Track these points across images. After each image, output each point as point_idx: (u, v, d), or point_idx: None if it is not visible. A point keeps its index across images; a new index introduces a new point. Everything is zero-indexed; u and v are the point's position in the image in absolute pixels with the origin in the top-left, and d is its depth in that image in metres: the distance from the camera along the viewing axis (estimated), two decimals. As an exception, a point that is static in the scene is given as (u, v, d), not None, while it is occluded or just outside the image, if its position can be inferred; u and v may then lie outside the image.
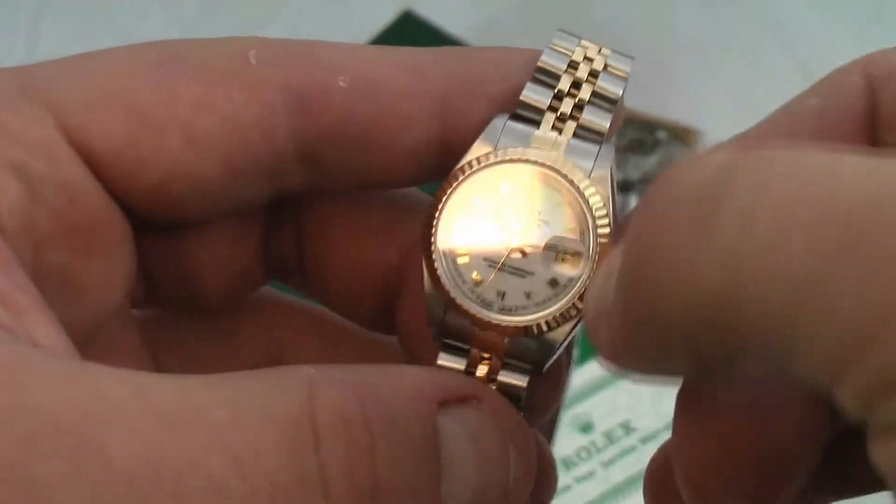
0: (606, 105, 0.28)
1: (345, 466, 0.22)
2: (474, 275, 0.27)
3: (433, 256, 0.27)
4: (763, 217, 0.18)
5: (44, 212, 0.25)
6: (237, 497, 0.21)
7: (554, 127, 0.28)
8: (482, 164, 0.27)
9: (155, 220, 0.28)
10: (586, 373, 0.67)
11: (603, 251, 0.27)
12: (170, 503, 0.20)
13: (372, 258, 0.30)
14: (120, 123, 0.26)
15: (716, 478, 0.24)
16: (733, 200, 0.19)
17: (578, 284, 0.27)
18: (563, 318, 0.27)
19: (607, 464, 0.66)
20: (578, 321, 0.27)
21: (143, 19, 0.90)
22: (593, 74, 0.28)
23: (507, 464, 0.25)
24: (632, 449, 0.66)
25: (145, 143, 0.26)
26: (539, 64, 0.28)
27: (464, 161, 0.27)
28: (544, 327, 0.27)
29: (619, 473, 0.65)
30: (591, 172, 0.27)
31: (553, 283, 0.27)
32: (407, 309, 0.30)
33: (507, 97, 0.28)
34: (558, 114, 0.28)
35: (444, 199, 0.27)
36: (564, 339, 0.27)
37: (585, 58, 0.28)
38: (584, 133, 0.28)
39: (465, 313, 0.27)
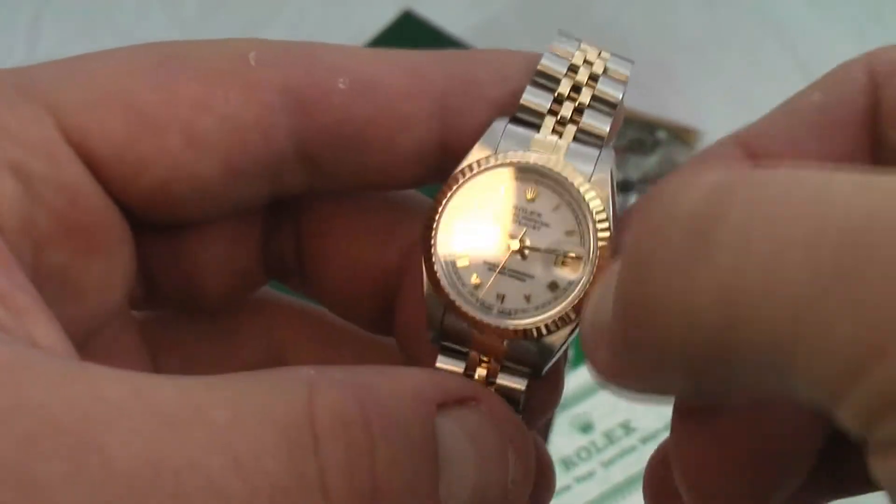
0: (606, 109, 0.28)
1: (344, 467, 0.22)
2: (474, 278, 0.27)
3: (433, 259, 0.27)
4: (758, 239, 0.18)
5: (43, 212, 0.25)
6: (237, 497, 0.21)
7: (554, 130, 0.28)
8: (482, 167, 0.27)
9: (154, 221, 0.28)
10: (586, 373, 0.67)
11: (603, 255, 0.27)
12: (169, 503, 0.20)
13: (371, 259, 0.30)
14: (120, 123, 0.26)
15: (713, 476, 0.24)
16: (727, 224, 0.19)
17: (578, 288, 0.27)
18: (562, 321, 0.27)
19: (607, 464, 0.66)
20: (577, 324, 0.27)
21: (143, 19, 0.90)
22: (593, 78, 0.28)
23: (505, 465, 0.25)
24: (632, 449, 0.66)
25: (145, 143, 0.26)
26: (539, 67, 0.28)
27: (464, 164, 0.27)
28: (543, 331, 0.27)
29: (619, 473, 0.65)
30: (591, 176, 0.27)
31: (553, 286, 0.27)
32: (406, 310, 0.30)
33: (507, 99, 0.28)
34: (558, 117, 0.28)
35: (444, 201, 0.27)
36: (564, 343, 0.27)
37: (585, 61, 0.28)
38: (584, 137, 0.28)
39: (464, 316, 0.27)
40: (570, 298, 0.27)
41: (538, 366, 0.27)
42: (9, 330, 0.22)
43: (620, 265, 0.21)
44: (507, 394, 0.27)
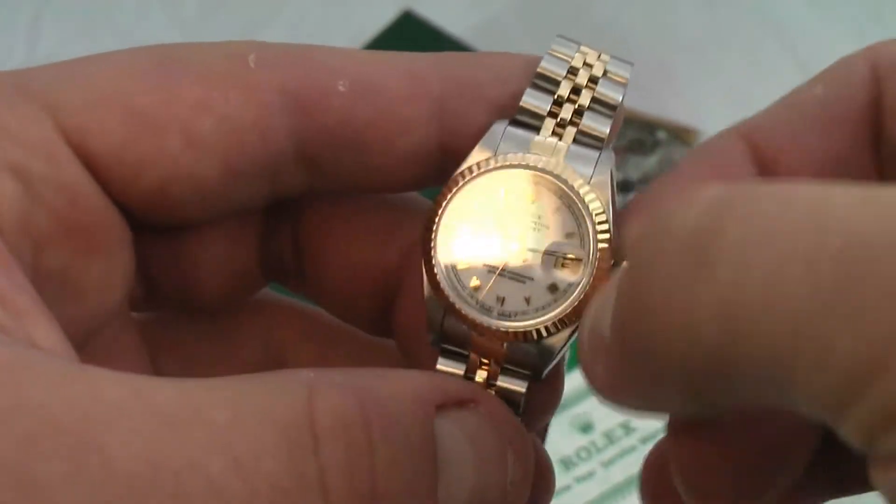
0: (606, 111, 0.28)
1: (344, 469, 0.22)
2: (474, 280, 0.27)
3: (432, 262, 0.27)
4: (757, 254, 0.18)
5: (43, 212, 0.25)
6: (237, 498, 0.21)
7: (554, 133, 0.28)
8: (482, 170, 0.27)
9: (154, 221, 0.28)
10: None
11: (603, 257, 0.27)
12: (169, 503, 0.20)
13: (370, 260, 0.30)
14: (119, 124, 0.26)
15: (713, 476, 0.24)
16: (726, 239, 0.19)
17: (578, 290, 0.27)
18: (562, 323, 0.27)
19: (607, 464, 0.66)
20: (578, 327, 0.27)
21: (143, 19, 0.90)
22: (593, 80, 0.28)
23: (504, 466, 0.25)
24: (632, 449, 0.66)
25: (144, 144, 0.26)
26: (539, 70, 0.28)
27: (464, 166, 0.27)
28: (543, 333, 0.27)
29: (619, 473, 0.65)
30: (591, 178, 0.27)
31: (552, 288, 0.27)
32: (405, 312, 0.30)
33: (506, 102, 0.28)
34: (558, 119, 0.28)
35: (443, 203, 0.27)
36: (564, 345, 0.27)
37: (585, 63, 0.28)
38: (584, 139, 0.28)
39: (464, 318, 0.27)
40: (569, 300, 0.27)
41: (538, 368, 0.27)
42: (9, 331, 0.22)
43: (619, 280, 0.21)
44: (508, 396, 0.27)
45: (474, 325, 0.27)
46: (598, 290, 0.26)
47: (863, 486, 0.25)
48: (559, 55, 0.28)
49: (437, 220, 0.27)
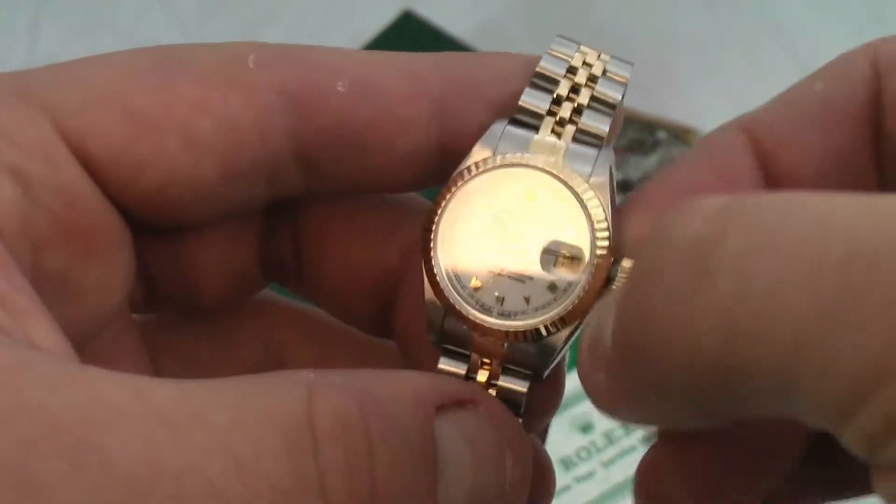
0: (605, 109, 0.28)
1: (344, 470, 0.22)
2: (473, 280, 0.27)
3: (432, 262, 0.27)
4: (758, 267, 0.18)
5: (42, 214, 0.25)
6: (237, 499, 0.21)
7: (553, 132, 0.28)
8: (481, 169, 0.27)
9: (153, 223, 0.28)
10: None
11: (602, 255, 0.27)
12: None
13: (370, 261, 0.30)
14: (117, 126, 0.26)
15: (702, 478, 0.24)
16: (728, 249, 0.19)
17: (577, 289, 0.27)
18: (562, 322, 0.26)
19: (607, 464, 0.66)
20: (578, 326, 0.27)
21: (143, 19, 0.90)
22: (592, 79, 0.28)
23: (503, 467, 0.25)
24: (632, 449, 0.66)
25: (143, 146, 0.26)
26: (538, 69, 0.28)
27: (463, 166, 0.27)
28: (543, 332, 0.27)
29: (619, 473, 0.65)
30: (590, 177, 0.27)
31: (552, 287, 0.27)
32: (405, 312, 0.30)
33: (506, 101, 0.28)
34: (557, 118, 0.28)
35: (443, 203, 0.27)
36: (564, 344, 0.27)
37: (584, 63, 0.28)
38: (583, 137, 0.28)
39: (464, 318, 0.27)
40: (569, 299, 0.27)
41: (539, 368, 0.27)
42: (8, 332, 0.22)
43: (620, 290, 0.21)
44: (509, 396, 0.27)
45: (474, 325, 0.27)
46: (597, 289, 0.26)
47: (863, 487, 0.26)
48: (558, 55, 0.28)
49: (436, 220, 0.27)
